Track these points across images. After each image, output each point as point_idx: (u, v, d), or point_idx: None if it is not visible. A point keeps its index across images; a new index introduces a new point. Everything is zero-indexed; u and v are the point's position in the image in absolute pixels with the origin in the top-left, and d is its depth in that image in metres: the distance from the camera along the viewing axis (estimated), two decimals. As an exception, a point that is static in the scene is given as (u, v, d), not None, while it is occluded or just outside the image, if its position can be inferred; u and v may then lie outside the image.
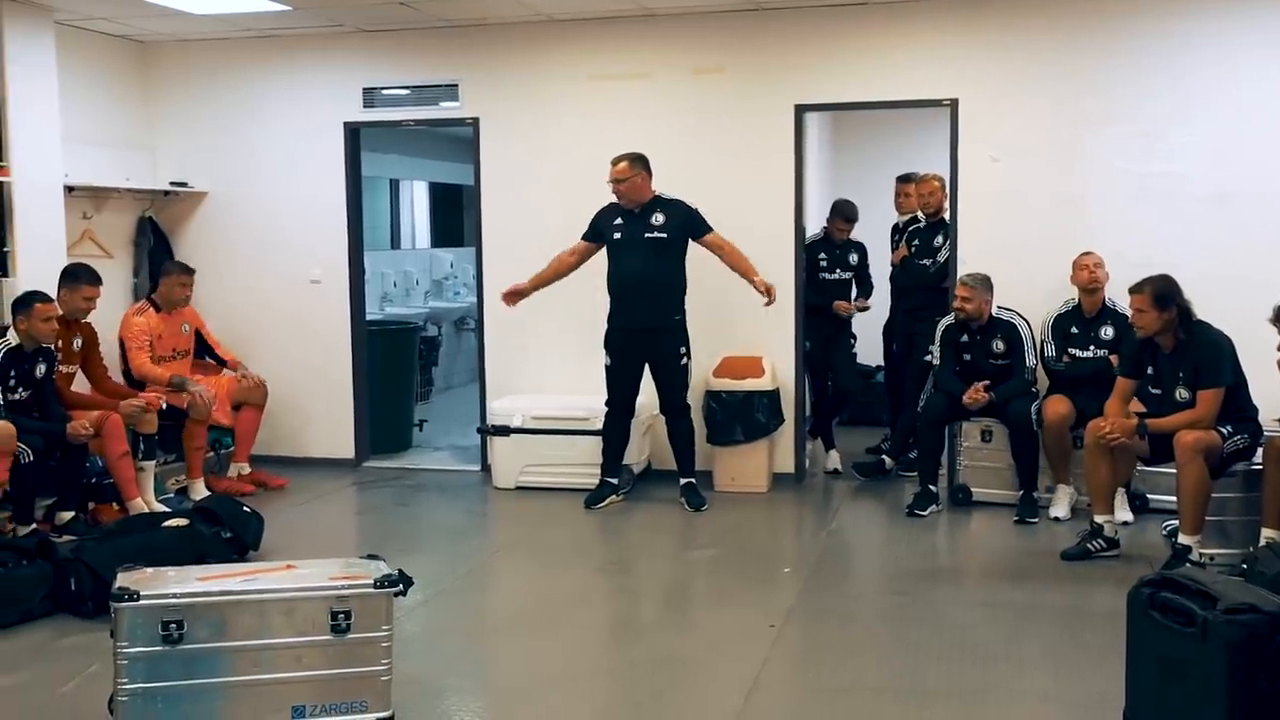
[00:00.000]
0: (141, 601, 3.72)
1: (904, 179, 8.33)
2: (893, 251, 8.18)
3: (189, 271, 7.67)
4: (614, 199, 7.11)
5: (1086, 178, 7.26)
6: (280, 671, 3.84)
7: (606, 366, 7.21)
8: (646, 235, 7.02)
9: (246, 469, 7.82)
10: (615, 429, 7.29)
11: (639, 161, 7.05)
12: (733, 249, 7.06)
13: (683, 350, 7.15)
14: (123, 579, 3.85)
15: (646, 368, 7.22)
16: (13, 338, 6.25)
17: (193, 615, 3.75)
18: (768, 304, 7.01)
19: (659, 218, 7.04)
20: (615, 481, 7.33)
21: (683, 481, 7.27)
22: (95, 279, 6.91)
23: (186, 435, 7.37)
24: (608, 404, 7.25)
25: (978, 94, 7.39)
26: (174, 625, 3.72)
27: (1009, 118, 7.36)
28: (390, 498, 7.77)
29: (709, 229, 7.07)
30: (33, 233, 7.09)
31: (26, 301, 6.32)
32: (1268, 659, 3.31)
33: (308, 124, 8.39)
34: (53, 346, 6.53)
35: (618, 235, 7.09)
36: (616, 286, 7.15)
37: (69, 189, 7.52)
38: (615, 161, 7.04)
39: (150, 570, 4.00)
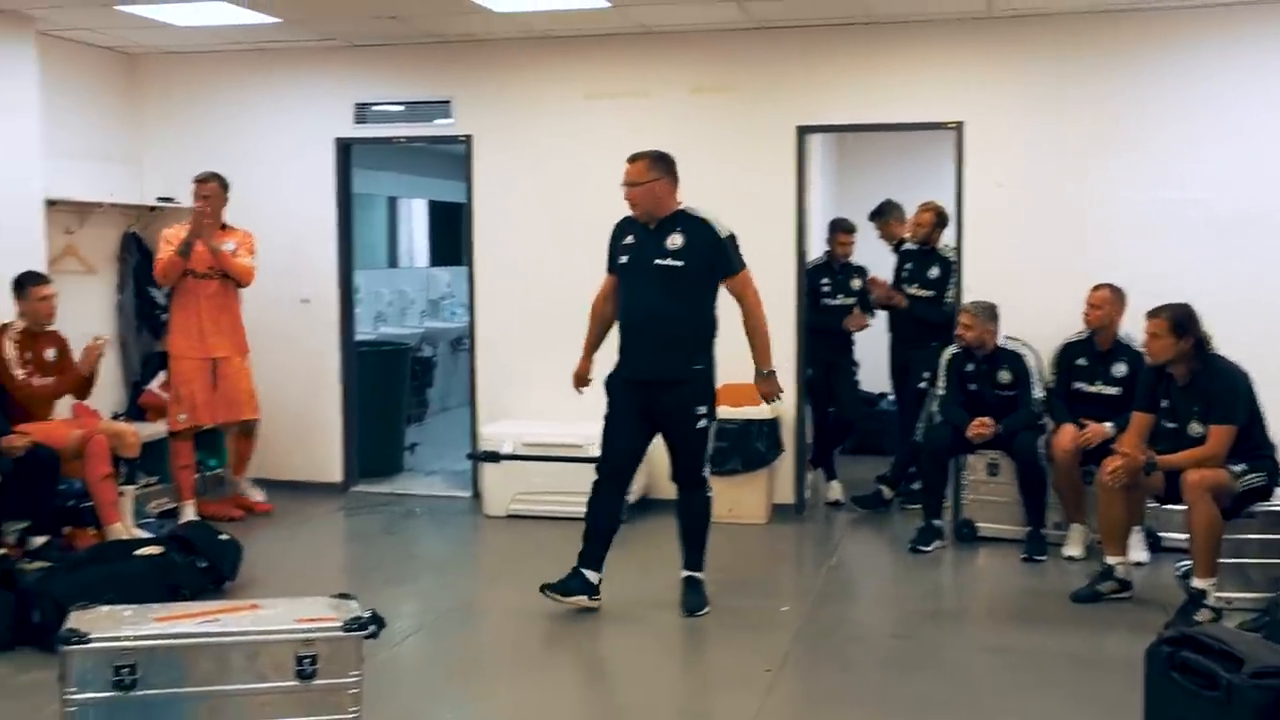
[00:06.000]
0: (91, 644, 3.50)
1: (877, 214, 8.14)
2: (894, 275, 7.96)
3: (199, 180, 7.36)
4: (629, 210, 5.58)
5: (1095, 203, 7.06)
6: (241, 720, 3.62)
7: (605, 417, 5.69)
8: (656, 261, 5.41)
9: (244, 486, 7.68)
10: (601, 504, 5.59)
11: (661, 162, 5.44)
12: (754, 308, 5.50)
13: (701, 410, 5.47)
14: (74, 619, 3.64)
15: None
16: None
17: (147, 660, 3.53)
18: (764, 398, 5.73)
19: (676, 240, 5.39)
20: (592, 579, 5.57)
21: (684, 574, 5.72)
22: (42, 277, 6.72)
23: (172, 454, 7.24)
24: (597, 469, 5.65)
25: (984, 117, 7.20)
26: (126, 670, 3.49)
27: (1016, 142, 7.17)
28: (377, 525, 7.54)
29: (739, 267, 5.47)
30: (11, 247, 6.89)
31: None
32: (1297, 726, 3.09)
33: (298, 139, 8.20)
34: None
35: (624, 258, 5.54)
36: (621, 323, 5.62)
37: (51, 203, 7.31)
38: (631, 159, 5.46)
39: (105, 609, 3.78)
